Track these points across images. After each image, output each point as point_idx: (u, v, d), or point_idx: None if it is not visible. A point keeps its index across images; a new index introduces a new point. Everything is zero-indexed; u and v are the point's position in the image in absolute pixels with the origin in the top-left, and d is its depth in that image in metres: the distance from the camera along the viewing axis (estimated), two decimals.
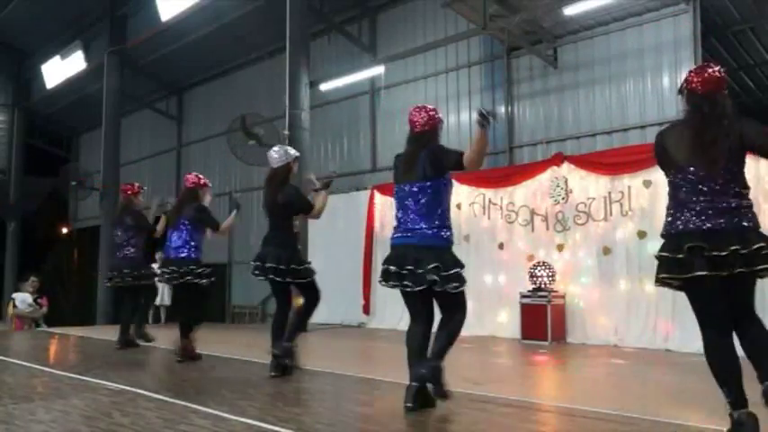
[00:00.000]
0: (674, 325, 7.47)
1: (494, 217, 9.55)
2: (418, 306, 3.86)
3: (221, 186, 14.68)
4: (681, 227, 3.01)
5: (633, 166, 7.98)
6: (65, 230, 21.83)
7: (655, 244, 3.36)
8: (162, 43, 14.94)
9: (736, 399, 2.87)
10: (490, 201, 9.60)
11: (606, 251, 8.31)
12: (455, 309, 3.85)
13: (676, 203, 3.08)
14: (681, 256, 2.94)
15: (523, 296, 8.52)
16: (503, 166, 10.15)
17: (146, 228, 7.17)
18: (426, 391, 3.73)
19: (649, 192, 7.88)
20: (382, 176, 11.51)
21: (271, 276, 5.04)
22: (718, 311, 2.99)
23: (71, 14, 16.70)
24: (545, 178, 9.00)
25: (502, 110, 10.44)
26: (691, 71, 3.24)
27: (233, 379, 5.20)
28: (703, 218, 2.95)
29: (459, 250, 3.97)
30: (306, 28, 11.03)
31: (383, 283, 3.91)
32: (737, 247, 2.85)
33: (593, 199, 8.47)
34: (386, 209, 10.77)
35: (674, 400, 4.40)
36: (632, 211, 8.09)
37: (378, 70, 11.56)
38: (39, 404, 3.98)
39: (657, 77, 8.86)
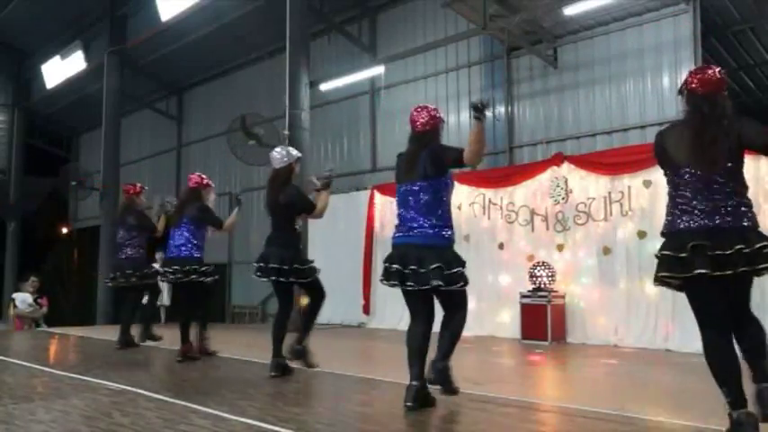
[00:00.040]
0: (674, 325, 7.47)
1: (494, 217, 9.55)
2: (419, 305, 3.87)
3: (221, 186, 14.67)
4: (682, 225, 3.01)
5: (633, 166, 7.98)
6: (65, 230, 21.83)
7: (655, 244, 3.36)
8: (162, 43, 14.94)
9: (736, 399, 2.87)
10: (490, 201, 9.60)
11: (606, 251, 8.31)
12: (457, 307, 3.89)
13: (676, 203, 3.08)
14: (684, 255, 2.94)
15: (523, 296, 8.52)
16: (503, 166, 10.15)
17: (148, 227, 7.18)
18: (427, 390, 3.74)
19: (649, 192, 7.88)
20: (382, 176, 11.51)
21: (274, 277, 5.05)
22: (718, 311, 3.00)
23: (71, 14, 16.70)
24: (545, 178, 9.01)
25: (502, 110, 10.46)
26: (691, 72, 3.25)
27: (233, 379, 5.20)
28: (705, 217, 2.95)
29: (459, 250, 3.96)
30: (306, 28, 11.03)
31: (385, 282, 3.91)
32: (741, 246, 2.86)
33: (593, 199, 8.47)
34: (386, 209, 10.78)
35: (674, 400, 4.40)
36: (632, 211, 8.09)
37: (378, 70, 11.56)
38: (39, 404, 3.98)
39: (657, 77, 8.86)
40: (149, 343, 7.26)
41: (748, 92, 12.05)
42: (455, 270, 3.73)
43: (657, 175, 3.49)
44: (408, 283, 3.74)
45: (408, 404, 3.61)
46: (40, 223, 21.51)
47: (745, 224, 2.94)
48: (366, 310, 10.93)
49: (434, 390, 3.84)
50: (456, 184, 4.14)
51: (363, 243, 11.03)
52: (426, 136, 3.95)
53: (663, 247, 3.10)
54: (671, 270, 3.03)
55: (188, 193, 6.43)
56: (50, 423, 3.46)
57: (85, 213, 20.08)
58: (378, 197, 11.07)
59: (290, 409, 3.91)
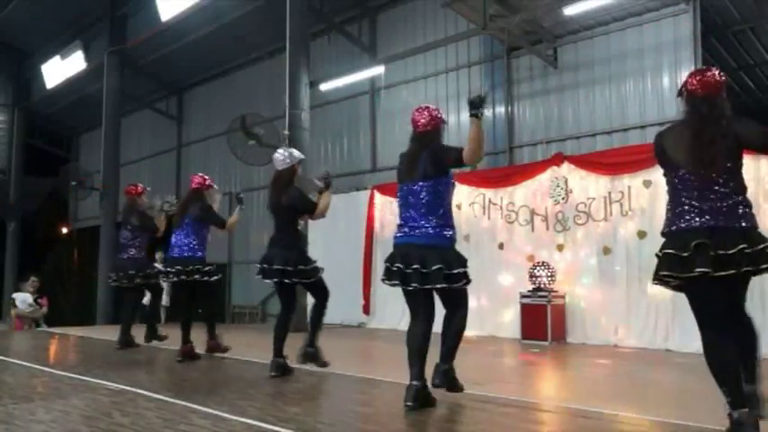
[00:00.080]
0: (674, 325, 7.47)
1: (494, 217, 9.55)
2: (420, 304, 3.88)
3: (221, 186, 14.59)
4: (683, 225, 3.02)
5: (633, 166, 7.98)
6: (65, 230, 21.84)
7: (655, 244, 3.36)
8: (162, 43, 14.94)
9: (736, 398, 2.87)
10: (490, 201, 9.60)
11: (606, 251, 8.31)
12: (458, 305, 3.93)
13: (676, 203, 3.09)
14: (686, 254, 2.95)
15: (523, 296, 8.52)
16: (503, 166, 10.15)
17: (150, 228, 7.22)
18: (427, 390, 3.75)
19: (649, 192, 7.88)
20: (382, 176, 11.51)
21: (278, 279, 5.10)
22: (717, 311, 3.00)
23: (71, 14, 16.70)
24: (545, 178, 9.00)
25: (502, 110, 10.46)
26: (690, 74, 3.28)
27: (233, 379, 5.20)
28: (705, 217, 2.96)
29: (459, 250, 3.98)
30: (306, 28, 11.03)
31: (387, 281, 3.93)
32: (744, 245, 2.87)
33: (593, 199, 8.47)
34: (386, 209, 10.78)
35: (674, 400, 4.40)
36: (632, 211, 8.09)
37: (378, 70, 11.56)
38: (39, 404, 3.98)
39: (657, 77, 8.86)
40: (155, 343, 7.28)
41: (748, 92, 12.04)
42: (456, 271, 3.77)
43: (657, 175, 3.49)
44: (413, 284, 3.75)
45: (408, 404, 3.62)
46: (40, 223, 21.51)
47: (745, 225, 2.95)
48: (366, 310, 10.93)
49: (435, 390, 3.84)
50: (456, 184, 4.15)
51: (363, 243, 11.02)
52: (427, 136, 3.97)
53: (664, 247, 3.11)
54: (671, 269, 3.03)
55: (190, 194, 6.48)
56: (50, 423, 3.46)
57: (85, 213, 20.08)
58: (378, 197, 11.07)
59: (290, 409, 3.90)
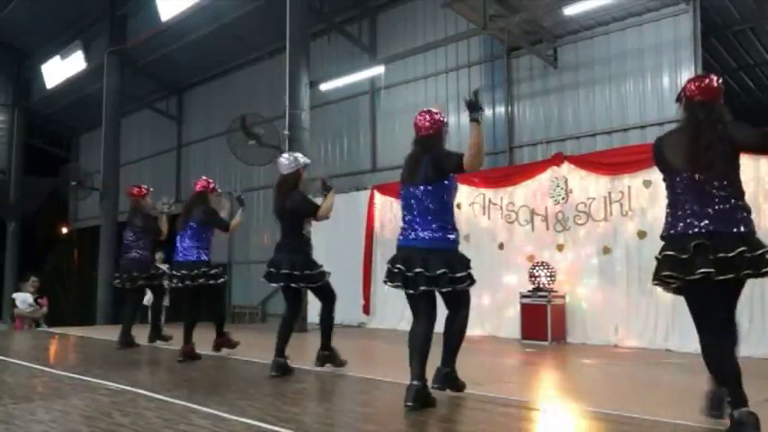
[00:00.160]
0: (674, 325, 7.46)
1: (494, 217, 9.54)
2: (422, 305, 3.89)
3: (221, 186, 14.60)
4: (683, 229, 3.04)
5: (633, 166, 7.97)
6: (65, 230, 21.85)
7: (655, 244, 3.36)
8: (162, 43, 14.94)
9: (736, 398, 2.88)
10: (490, 201, 9.60)
11: (606, 251, 8.31)
12: (459, 305, 3.98)
13: (676, 208, 3.13)
14: (685, 256, 2.97)
15: (523, 296, 8.51)
16: (503, 166, 10.15)
17: (153, 230, 7.24)
18: (427, 391, 3.75)
19: (649, 192, 7.87)
20: (382, 176, 11.52)
21: (285, 283, 5.14)
22: (716, 314, 3.02)
23: (71, 14, 16.71)
24: (545, 178, 9.00)
25: (502, 110, 10.45)
26: (689, 80, 3.33)
27: (233, 379, 5.20)
28: (705, 221, 2.99)
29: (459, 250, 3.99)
30: (306, 28, 11.03)
31: (389, 283, 3.95)
32: (743, 249, 2.88)
33: (593, 199, 8.46)
34: (386, 209, 10.77)
35: (674, 400, 4.40)
36: (632, 211, 8.09)
37: (378, 70, 11.56)
38: (39, 404, 3.98)
39: (657, 77, 8.85)
40: (158, 343, 7.29)
41: (748, 92, 12.04)
42: (460, 274, 3.81)
43: (657, 176, 3.50)
44: (418, 287, 3.77)
45: (409, 404, 3.62)
46: (40, 223, 21.53)
47: (744, 230, 2.98)
48: (366, 310, 10.93)
49: (435, 390, 3.85)
50: (458, 185, 4.19)
51: (363, 243, 11.02)
52: (429, 140, 4.01)
53: (663, 249, 3.13)
54: (673, 270, 3.04)
55: (194, 198, 6.52)
56: (50, 423, 3.46)
57: (85, 213, 20.08)
58: (378, 197, 11.06)
59: (290, 409, 3.91)
